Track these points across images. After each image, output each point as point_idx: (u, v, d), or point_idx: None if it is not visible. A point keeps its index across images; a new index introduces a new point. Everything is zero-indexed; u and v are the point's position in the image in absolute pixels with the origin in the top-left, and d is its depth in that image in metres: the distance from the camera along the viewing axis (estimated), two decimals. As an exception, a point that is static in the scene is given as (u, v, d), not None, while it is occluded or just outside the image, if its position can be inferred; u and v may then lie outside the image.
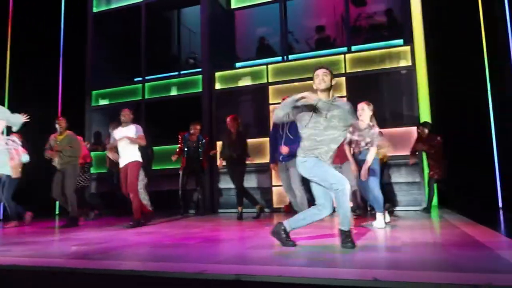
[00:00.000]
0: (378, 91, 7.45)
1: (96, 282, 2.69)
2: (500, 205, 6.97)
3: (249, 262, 2.91)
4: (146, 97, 8.92)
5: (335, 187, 3.18)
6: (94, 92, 9.34)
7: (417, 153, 6.62)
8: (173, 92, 8.74)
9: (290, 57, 8.45)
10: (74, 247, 3.87)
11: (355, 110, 4.17)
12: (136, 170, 5.56)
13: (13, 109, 4.57)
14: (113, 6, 9.66)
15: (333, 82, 3.41)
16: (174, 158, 6.90)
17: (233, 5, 9.42)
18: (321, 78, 3.35)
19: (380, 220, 4.60)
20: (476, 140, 7.05)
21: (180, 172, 7.04)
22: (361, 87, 7.32)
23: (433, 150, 6.26)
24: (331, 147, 3.33)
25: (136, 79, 9.25)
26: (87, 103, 9.27)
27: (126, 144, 5.52)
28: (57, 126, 6.15)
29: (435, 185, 6.49)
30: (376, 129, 4.55)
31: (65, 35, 9.89)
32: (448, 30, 7.35)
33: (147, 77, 9.05)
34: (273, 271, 2.53)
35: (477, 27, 7.40)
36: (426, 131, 6.38)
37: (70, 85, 9.61)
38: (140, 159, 5.67)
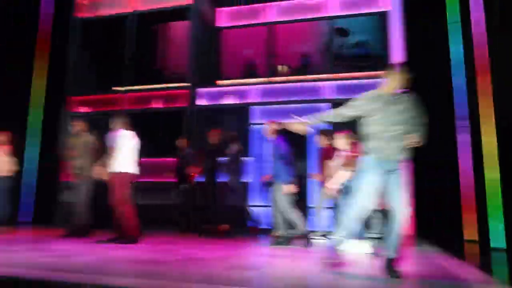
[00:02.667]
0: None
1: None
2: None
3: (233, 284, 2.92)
4: (127, 108, 8.85)
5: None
6: (73, 98, 9.18)
7: None
8: (156, 105, 8.71)
9: (275, 79, 8.62)
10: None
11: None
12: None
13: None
14: (101, 13, 9.59)
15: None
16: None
17: (220, 23, 9.55)
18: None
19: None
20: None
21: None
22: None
23: None
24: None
25: (116, 88, 9.16)
26: (64, 110, 9.10)
27: None
28: None
29: None
30: None
31: (52, 39, 9.69)
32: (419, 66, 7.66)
33: (129, 87, 8.99)
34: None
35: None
36: None
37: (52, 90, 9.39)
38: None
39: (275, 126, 5.28)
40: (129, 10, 9.26)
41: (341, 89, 7.79)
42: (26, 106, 9.04)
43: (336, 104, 7.59)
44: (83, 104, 9.17)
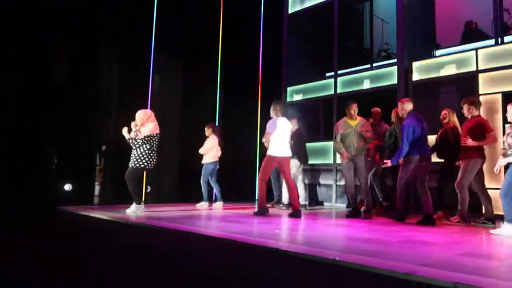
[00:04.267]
0: None
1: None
2: None
3: (465, 271, 2.60)
4: (338, 91, 9.01)
5: None
6: (289, 88, 9.95)
7: None
8: (366, 86, 8.58)
9: (506, 39, 7.25)
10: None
11: None
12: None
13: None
14: (307, 5, 10.06)
15: None
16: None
17: (434, -13, 8.63)
18: None
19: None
20: None
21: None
22: None
23: None
24: None
25: (328, 74, 9.45)
26: (282, 99, 9.95)
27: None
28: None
29: None
30: None
31: (263, 36, 10.81)
32: None
33: (339, 72, 9.14)
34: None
35: None
36: None
37: (268, 83, 10.46)
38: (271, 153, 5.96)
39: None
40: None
41: None
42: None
43: None
44: (297, 93, 9.82)
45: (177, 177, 9.16)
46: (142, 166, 5.83)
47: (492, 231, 4.58)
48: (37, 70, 6.92)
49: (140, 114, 5.96)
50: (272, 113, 6.19)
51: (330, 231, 4.61)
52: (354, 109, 6.16)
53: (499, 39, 7.20)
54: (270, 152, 6.00)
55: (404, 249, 3.37)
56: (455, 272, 2.48)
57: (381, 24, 9.73)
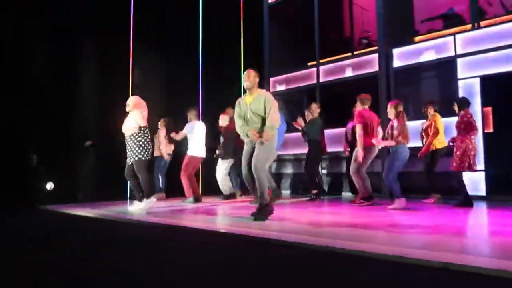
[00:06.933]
0: None
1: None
2: None
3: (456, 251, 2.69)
4: (321, 80, 9.05)
5: None
6: (271, 79, 9.94)
7: None
8: (348, 74, 8.64)
9: (482, 23, 7.38)
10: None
11: None
12: None
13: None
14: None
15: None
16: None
17: (411, -26, 8.71)
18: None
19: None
20: None
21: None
22: None
23: None
24: None
25: (309, 64, 9.47)
26: (266, 89, 9.91)
27: None
28: None
29: None
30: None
31: (244, 27, 10.73)
32: None
33: (321, 61, 9.17)
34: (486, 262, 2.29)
35: None
36: None
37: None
38: None
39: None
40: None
41: None
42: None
43: None
44: (280, 83, 9.82)
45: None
46: (147, 157, 5.61)
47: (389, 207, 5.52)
48: (15, 66, 6.73)
49: (141, 101, 5.76)
50: (190, 117, 7.07)
51: (318, 218, 4.66)
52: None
53: (476, 24, 7.33)
54: (194, 153, 6.87)
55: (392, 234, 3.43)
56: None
57: (360, 12, 9.79)
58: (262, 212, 4.33)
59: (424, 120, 6.59)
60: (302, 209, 5.66)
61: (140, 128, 5.53)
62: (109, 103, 7.25)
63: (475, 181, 6.70)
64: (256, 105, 4.43)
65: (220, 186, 7.34)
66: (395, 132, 5.50)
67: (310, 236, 3.26)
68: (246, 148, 4.54)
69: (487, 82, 6.83)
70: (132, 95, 7.10)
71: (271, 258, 2.72)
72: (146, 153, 5.56)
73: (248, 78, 4.48)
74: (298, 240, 3.09)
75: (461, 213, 4.95)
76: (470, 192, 5.83)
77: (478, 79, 6.91)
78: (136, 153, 5.49)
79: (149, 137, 5.69)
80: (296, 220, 4.38)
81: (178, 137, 7.08)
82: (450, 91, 7.21)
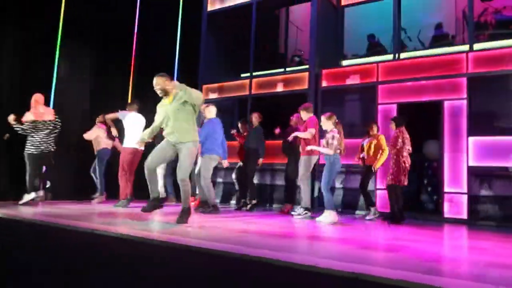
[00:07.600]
0: (506, 93, 6.74)
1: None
2: None
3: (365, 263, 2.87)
4: (253, 92, 9.22)
5: None
6: (204, 86, 9.92)
7: None
8: (279, 89, 8.91)
9: (402, 55, 8.08)
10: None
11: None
12: None
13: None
14: (226, 5, 10.11)
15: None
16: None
17: (344, 2, 9.27)
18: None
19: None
20: None
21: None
22: (484, 89, 6.74)
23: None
24: None
25: (243, 75, 9.62)
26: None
27: None
28: None
29: None
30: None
31: (181, 32, 10.64)
32: None
33: (254, 73, 9.35)
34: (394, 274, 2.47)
35: None
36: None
37: (184, 80, 10.29)
38: None
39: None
40: (252, -2, 9.57)
41: (481, 62, 6.91)
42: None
43: (473, 79, 6.83)
44: (214, 91, 9.84)
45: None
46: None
47: (317, 218, 5.67)
48: None
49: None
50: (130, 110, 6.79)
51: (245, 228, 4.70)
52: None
53: (397, 55, 8.00)
54: (125, 144, 6.58)
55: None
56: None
57: (295, 31, 10.19)
58: (184, 216, 4.45)
59: (366, 137, 7.00)
60: (232, 218, 5.68)
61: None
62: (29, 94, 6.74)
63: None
64: (178, 100, 4.63)
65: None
66: (335, 142, 5.67)
67: (227, 243, 3.29)
68: (163, 144, 4.60)
69: (402, 108, 7.44)
70: (55, 88, 6.75)
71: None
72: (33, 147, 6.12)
73: (157, 86, 4.67)
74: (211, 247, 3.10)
75: (386, 229, 5.31)
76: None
77: (395, 105, 7.51)
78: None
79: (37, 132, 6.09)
80: (216, 226, 4.40)
81: (108, 116, 6.81)
82: (370, 114, 7.74)
